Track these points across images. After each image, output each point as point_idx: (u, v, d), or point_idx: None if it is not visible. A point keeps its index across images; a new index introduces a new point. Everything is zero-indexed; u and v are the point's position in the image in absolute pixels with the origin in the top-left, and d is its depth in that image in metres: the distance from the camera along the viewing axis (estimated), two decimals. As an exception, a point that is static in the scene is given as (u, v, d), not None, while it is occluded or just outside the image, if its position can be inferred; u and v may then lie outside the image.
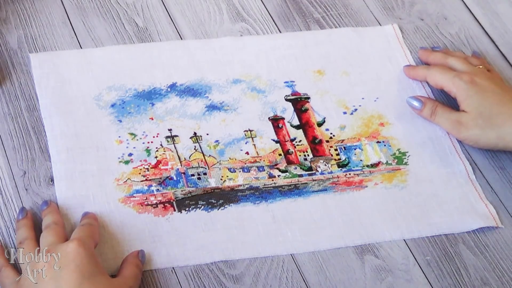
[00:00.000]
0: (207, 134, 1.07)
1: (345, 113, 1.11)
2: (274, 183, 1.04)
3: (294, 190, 1.03)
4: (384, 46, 1.19)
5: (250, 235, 0.99)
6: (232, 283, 0.96)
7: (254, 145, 1.07)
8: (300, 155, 1.07)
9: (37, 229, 0.95)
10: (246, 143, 1.07)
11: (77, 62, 1.10)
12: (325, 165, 1.06)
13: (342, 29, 1.20)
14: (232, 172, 1.04)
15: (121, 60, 1.12)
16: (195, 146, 1.06)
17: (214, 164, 1.04)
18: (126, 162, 1.03)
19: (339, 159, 1.07)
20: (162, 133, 1.06)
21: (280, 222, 1.00)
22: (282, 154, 1.07)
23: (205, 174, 1.03)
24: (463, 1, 1.26)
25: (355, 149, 1.08)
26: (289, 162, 1.06)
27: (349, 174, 1.06)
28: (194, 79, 1.12)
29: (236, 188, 1.03)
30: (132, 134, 1.05)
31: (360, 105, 1.12)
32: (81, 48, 1.12)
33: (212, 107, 1.09)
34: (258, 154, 1.06)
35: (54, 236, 0.92)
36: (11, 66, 1.09)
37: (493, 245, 1.02)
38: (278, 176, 1.04)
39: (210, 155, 1.05)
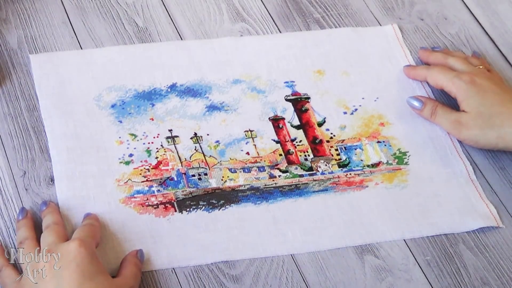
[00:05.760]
0: (208, 135, 1.07)
1: (345, 113, 1.11)
2: (275, 183, 1.04)
3: (294, 190, 1.03)
4: (384, 46, 1.19)
5: (251, 236, 0.99)
6: (232, 283, 0.96)
7: (255, 145, 1.07)
8: (300, 155, 1.07)
9: (37, 229, 0.95)
10: (246, 144, 1.07)
11: (77, 62, 1.10)
12: (326, 165, 1.06)
13: (342, 29, 1.20)
14: (232, 172, 1.04)
15: (121, 61, 1.12)
16: (195, 147, 1.06)
17: (215, 165, 1.04)
18: (127, 163, 1.03)
19: (340, 159, 1.07)
20: (163, 133, 1.06)
21: (280, 222, 1.00)
22: (283, 154, 1.07)
23: (205, 174, 1.03)
24: (463, 1, 1.26)
25: (355, 149, 1.08)
26: (290, 162, 1.06)
27: (350, 174, 1.06)
28: (194, 80, 1.12)
29: (237, 189, 1.03)
30: (132, 134, 1.05)
31: (360, 105, 1.12)
32: (81, 48, 1.12)
33: (212, 108, 1.09)
34: (258, 155, 1.06)
35: (55, 236, 0.92)
36: (11, 66, 1.09)
37: (493, 245, 1.02)
38: (279, 176, 1.04)
39: (210, 156, 1.05)
